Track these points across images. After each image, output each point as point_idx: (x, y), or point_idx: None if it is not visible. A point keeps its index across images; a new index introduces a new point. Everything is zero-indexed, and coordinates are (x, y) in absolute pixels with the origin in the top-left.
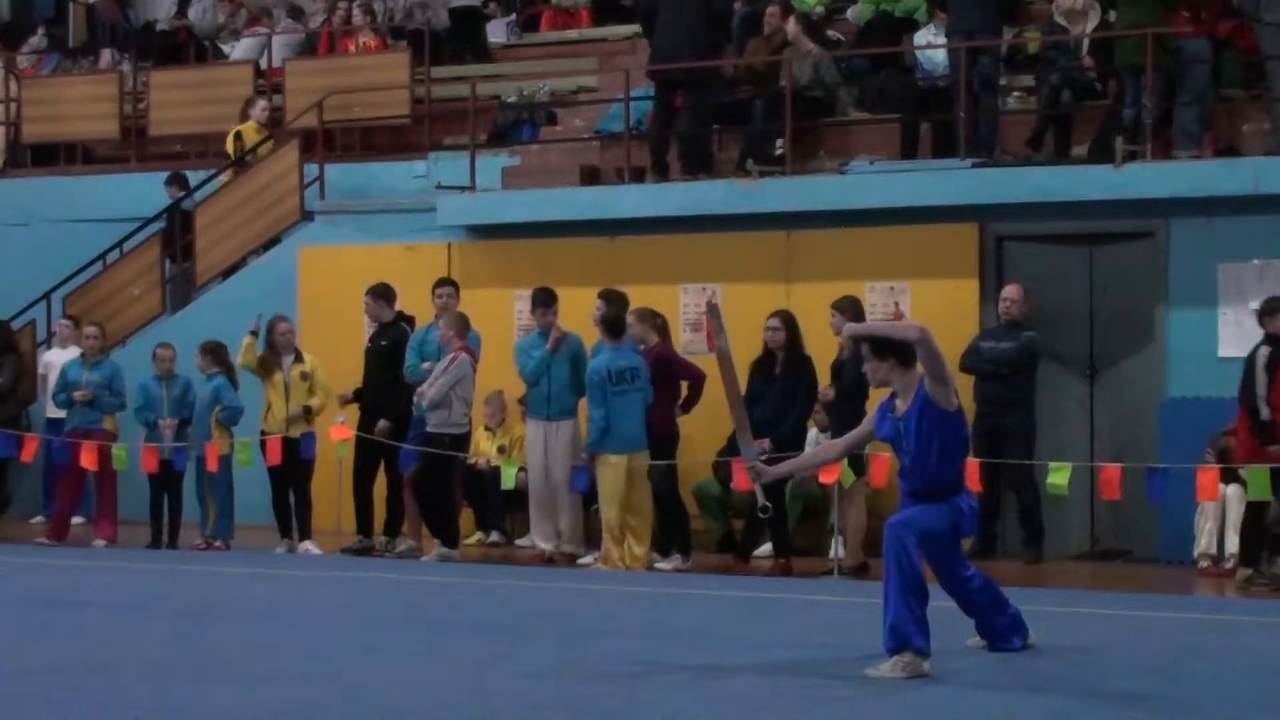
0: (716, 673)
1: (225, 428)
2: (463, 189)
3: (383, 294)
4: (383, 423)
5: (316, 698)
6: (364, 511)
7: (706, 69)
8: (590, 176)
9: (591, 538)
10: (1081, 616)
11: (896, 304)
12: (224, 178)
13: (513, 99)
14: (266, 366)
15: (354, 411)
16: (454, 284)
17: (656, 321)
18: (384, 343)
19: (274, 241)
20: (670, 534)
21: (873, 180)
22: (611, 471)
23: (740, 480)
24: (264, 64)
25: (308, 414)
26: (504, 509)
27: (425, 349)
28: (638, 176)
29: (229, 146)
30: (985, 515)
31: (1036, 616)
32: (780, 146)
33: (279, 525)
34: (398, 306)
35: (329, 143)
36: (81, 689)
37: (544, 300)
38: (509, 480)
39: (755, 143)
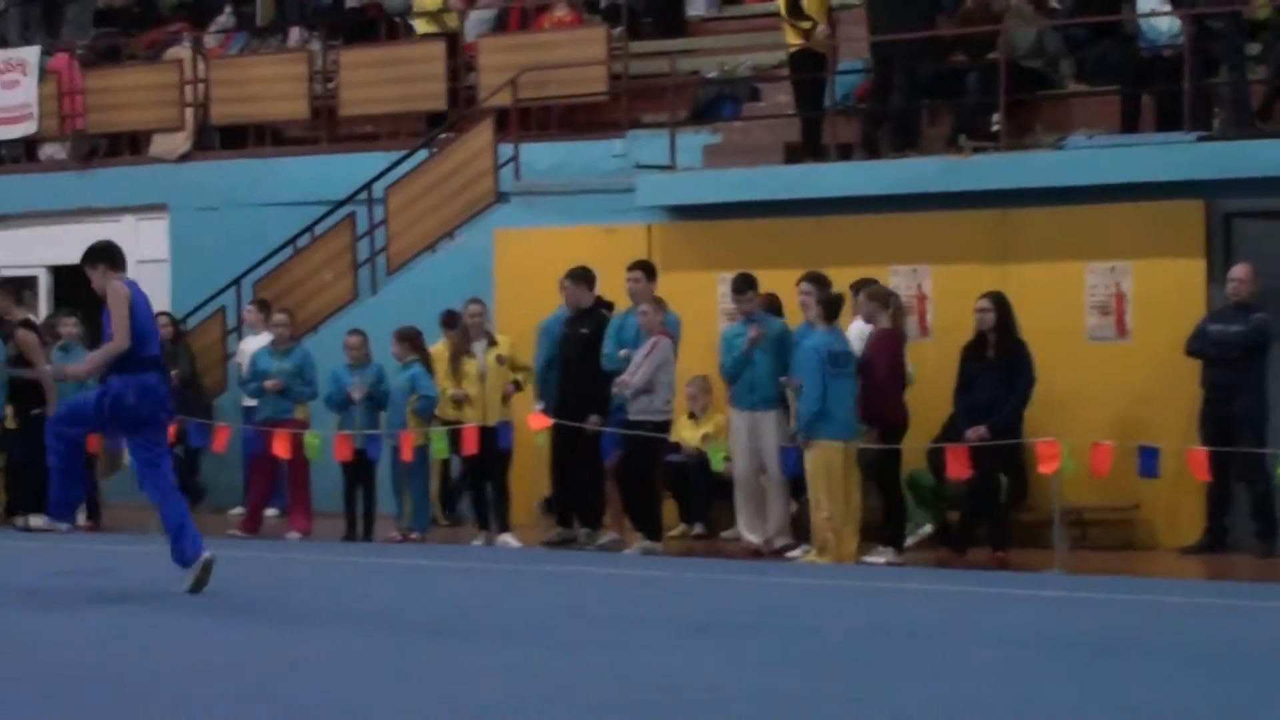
0: (940, 672)
1: (421, 417)
2: (662, 168)
3: (582, 278)
4: (594, 417)
5: (521, 695)
6: (565, 503)
7: (921, 40)
8: (795, 154)
9: (800, 530)
10: None
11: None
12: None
13: (713, 74)
14: (456, 356)
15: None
16: (646, 266)
17: (889, 302)
18: (584, 330)
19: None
20: (891, 526)
21: (1092, 155)
22: (828, 458)
23: (954, 467)
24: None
25: (517, 389)
26: (708, 500)
27: (623, 335)
28: (845, 154)
29: (782, 8)
30: (1214, 507)
31: (1272, 614)
32: (995, 121)
33: (477, 517)
34: (595, 291)
35: (524, 122)
36: (272, 688)
37: (742, 286)
38: (718, 463)
39: (967, 117)
